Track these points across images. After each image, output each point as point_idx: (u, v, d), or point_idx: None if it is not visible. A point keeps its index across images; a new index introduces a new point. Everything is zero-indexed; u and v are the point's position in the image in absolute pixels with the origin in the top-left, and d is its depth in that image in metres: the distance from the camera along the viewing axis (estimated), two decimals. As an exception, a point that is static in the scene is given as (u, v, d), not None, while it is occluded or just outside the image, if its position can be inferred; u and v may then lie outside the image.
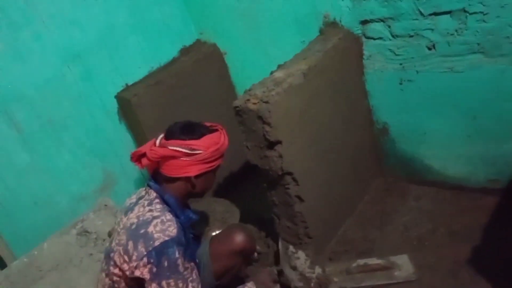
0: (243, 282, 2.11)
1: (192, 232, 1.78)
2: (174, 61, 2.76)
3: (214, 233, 2.12)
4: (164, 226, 1.52)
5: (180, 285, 1.50)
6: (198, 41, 2.88)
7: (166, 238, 1.49)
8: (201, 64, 2.76)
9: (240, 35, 2.67)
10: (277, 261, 2.10)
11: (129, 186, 2.64)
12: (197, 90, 2.76)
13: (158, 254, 1.47)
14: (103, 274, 1.64)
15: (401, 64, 2.14)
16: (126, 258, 1.53)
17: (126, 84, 2.59)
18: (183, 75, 2.70)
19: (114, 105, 2.56)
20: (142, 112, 2.51)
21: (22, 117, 2.20)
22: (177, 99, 2.65)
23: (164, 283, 1.48)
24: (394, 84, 2.19)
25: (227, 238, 1.89)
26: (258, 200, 2.34)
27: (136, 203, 1.67)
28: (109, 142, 2.56)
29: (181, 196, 1.68)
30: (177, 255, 1.49)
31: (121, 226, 1.62)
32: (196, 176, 1.64)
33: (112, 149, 2.57)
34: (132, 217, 1.60)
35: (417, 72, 2.11)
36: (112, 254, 1.58)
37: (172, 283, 1.49)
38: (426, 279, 1.90)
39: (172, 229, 1.52)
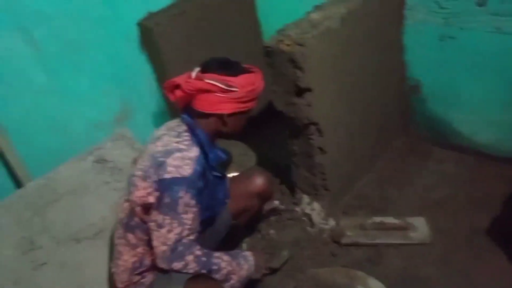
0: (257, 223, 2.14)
1: (218, 171, 1.73)
2: (200, -8, 2.60)
3: (230, 175, 2.09)
4: (181, 163, 1.50)
5: (175, 225, 1.50)
6: (227, -27, 2.70)
7: (178, 176, 1.48)
8: (228, -1, 2.61)
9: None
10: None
11: (146, 118, 2.59)
12: (222, 25, 2.62)
13: (164, 186, 1.48)
14: (125, 202, 1.64)
15: (444, 18, 2.00)
16: (144, 183, 1.54)
17: (149, 12, 2.46)
18: (209, 8, 2.56)
19: (135, 33, 2.44)
20: (164, 42, 2.41)
21: (41, 35, 2.10)
22: (201, 32, 2.53)
23: (161, 216, 1.50)
24: (434, 39, 2.07)
25: (247, 180, 1.89)
26: (276, 147, 2.30)
27: (166, 133, 1.64)
28: (129, 71, 2.47)
29: (211, 134, 1.64)
30: (180, 194, 1.47)
31: (147, 152, 1.61)
32: (229, 115, 1.60)
33: (131, 78, 2.49)
34: (159, 145, 1.59)
35: (461, 29, 1.98)
36: (134, 179, 1.59)
37: (168, 220, 1.49)
38: (440, 243, 1.90)
39: (187, 169, 1.50)
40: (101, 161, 2.02)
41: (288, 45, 1.74)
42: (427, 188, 2.16)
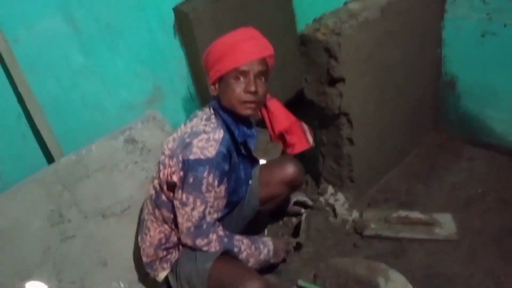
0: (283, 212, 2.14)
1: (246, 150, 1.75)
2: (237, -20, 2.61)
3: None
4: (206, 144, 1.53)
5: (198, 203, 1.54)
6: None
7: (201, 157, 1.51)
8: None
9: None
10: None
11: (177, 102, 2.63)
12: (257, 13, 2.62)
13: (188, 167, 1.51)
14: (155, 179, 1.68)
15: (488, 14, 1.94)
16: (170, 161, 1.58)
17: (185, -3, 2.48)
18: (246, -5, 2.56)
19: (171, 17, 2.47)
20: (199, 28, 2.42)
21: (81, 17, 2.15)
22: (236, 19, 2.53)
23: (185, 195, 1.54)
24: (475, 35, 2.01)
25: (279, 167, 1.89)
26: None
27: (196, 116, 1.68)
28: (162, 55, 2.51)
29: (229, 111, 1.62)
30: (204, 175, 1.51)
31: (178, 133, 1.65)
32: (213, 83, 1.62)
33: (164, 63, 2.53)
34: (188, 127, 1.63)
35: (505, 25, 1.91)
36: (163, 157, 1.64)
37: (191, 199, 1.53)
38: (467, 242, 1.86)
39: (211, 150, 1.52)
40: (131, 141, 2.06)
41: (324, 34, 1.72)
42: (456, 186, 2.12)
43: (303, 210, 2.11)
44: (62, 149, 2.17)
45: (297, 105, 2.65)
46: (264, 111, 1.87)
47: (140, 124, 2.11)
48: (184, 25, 2.45)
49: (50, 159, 2.17)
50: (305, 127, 1.93)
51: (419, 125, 2.31)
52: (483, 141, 2.25)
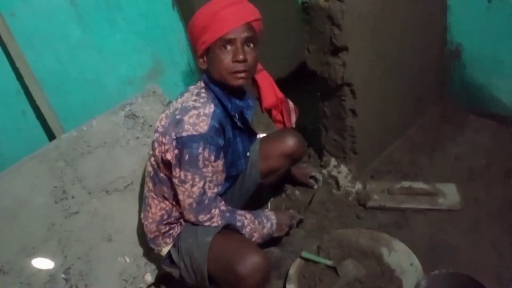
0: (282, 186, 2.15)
1: (244, 121, 1.71)
2: None
3: (258, 136, 2.09)
4: (197, 120, 1.50)
5: (197, 179, 1.52)
6: None
7: (194, 133, 1.48)
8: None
9: None
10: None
11: (177, 76, 2.59)
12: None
13: (182, 144, 1.49)
14: (151, 158, 1.66)
15: (495, -22, 1.89)
16: (163, 139, 1.55)
17: (183, -32, 2.42)
18: (244, -35, 2.49)
19: (169, -11, 2.42)
20: (198, 0, 2.37)
21: (77, -11, 2.11)
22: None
23: (183, 173, 1.52)
24: (482, 2, 1.96)
25: (279, 140, 1.87)
26: (304, 109, 2.26)
27: (188, 90, 1.64)
28: (161, 29, 2.46)
29: (221, 83, 1.57)
30: (199, 150, 1.48)
31: (169, 110, 1.61)
32: (201, 56, 1.57)
33: (163, 36, 2.48)
34: (178, 102, 1.59)
35: (512, -10, 1.86)
36: (156, 135, 1.61)
37: (189, 176, 1.51)
38: (470, 212, 1.85)
39: (203, 125, 1.49)
40: (132, 116, 2.05)
41: (326, 1, 1.68)
42: (460, 157, 2.10)
43: (316, 187, 2.10)
44: (63, 126, 2.15)
45: (299, 77, 2.62)
46: (254, 83, 1.82)
47: (141, 99, 2.09)
48: (182, -3, 2.40)
49: (51, 135, 2.16)
50: (291, 106, 1.89)
51: (423, 96, 2.28)
52: (488, 111, 2.22)
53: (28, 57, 2.00)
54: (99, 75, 2.30)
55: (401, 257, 1.66)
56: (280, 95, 1.85)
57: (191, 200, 1.55)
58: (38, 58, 2.05)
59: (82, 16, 2.15)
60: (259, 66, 1.75)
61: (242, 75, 1.52)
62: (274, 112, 1.87)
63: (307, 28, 1.78)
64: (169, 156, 1.54)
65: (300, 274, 1.71)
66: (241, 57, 1.48)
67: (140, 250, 1.91)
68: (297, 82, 2.70)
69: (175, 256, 1.66)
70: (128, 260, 1.86)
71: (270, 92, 1.82)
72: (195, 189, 1.54)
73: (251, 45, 1.52)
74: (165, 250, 1.73)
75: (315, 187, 2.10)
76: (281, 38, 2.71)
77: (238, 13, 1.48)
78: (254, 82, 1.80)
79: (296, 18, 1.84)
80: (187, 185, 1.53)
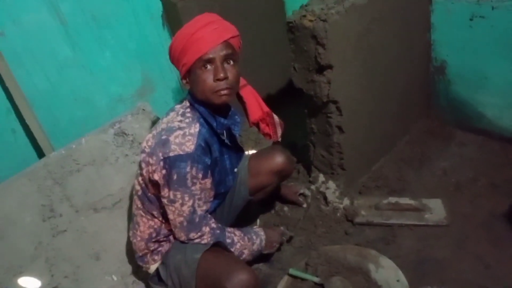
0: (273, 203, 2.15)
1: (231, 137, 1.72)
2: (224, -33, 2.57)
3: (247, 152, 2.10)
4: (183, 140, 1.51)
5: (186, 198, 1.53)
6: None
7: (181, 153, 1.49)
8: (253, -26, 2.58)
9: None
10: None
11: (167, 94, 2.62)
12: (246, 2, 2.60)
13: (170, 164, 1.49)
14: (139, 178, 1.67)
15: (476, -3, 1.93)
16: (150, 159, 1.56)
17: (173, -13, 2.45)
18: (233, -17, 2.53)
19: (159, 8, 2.45)
20: (187, 18, 2.35)
21: (67, 9, 2.13)
22: (224, 8, 2.50)
23: (172, 193, 1.53)
24: (464, 19, 2.00)
25: (267, 157, 1.89)
26: (293, 126, 2.28)
27: (172, 109, 1.66)
28: (151, 46, 2.49)
29: (204, 103, 1.58)
30: (187, 170, 1.49)
31: (156, 130, 1.62)
32: (183, 77, 1.59)
33: (153, 54, 2.51)
34: (164, 122, 1.61)
35: (493, 8, 1.90)
36: (143, 155, 1.61)
37: (179, 195, 1.52)
38: (457, 226, 1.86)
39: (190, 145, 1.50)
40: (121, 134, 2.05)
41: (311, 20, 1.71)
42: (446, 171, 2.12)
43: (305, 205, 2.11)
44: (52, 144, 2.16)
45: (289, 94, 2.65)
46: (239, 98, 1.84)
47: (130, 117, 2.10)
48: (172, 15, 2.42)
49: (40, 153, 2.16)
50: (277, 120, 1.91)
51: (409, 112, 2.30)
52: (474, 126, 2.24)
53: (17, 76, 2.01)
54: (89, 93, 2.31)
55: (388, 273, 1.67)
56: (266, 108, 1.86)
57: (181, 218, 1.56)
58: (28, 77, 2.07)
59: (72, 35, 2.17)
60: (243, 81, 1.77)
61: (225, 92, 1.52)
62: (262, 125, 1.89)
63: (292, 47, 1.81)
64: (156, 177, 1.54)
65: (287, 291, 1.71)
66: (221, 75, 1.49)
67: (128, 268, 1.90)
68: (286, 98, 2.73)
69: (163, 273, 1.66)
70: (115, 278, 1.86)
71: (255, 106, 1.84)
72: (185, 208, 1.54)
73: (231, 62, 1.53)
74: (153, 268, 1.73)
75: (304, 205, 2.11)
76: (270, 55, 2.74)
77: (215, 32, 1.50)
78: (239, 97, 1.82)
79: (285, 36, 1.87)
80: (177, 204, 1.54)
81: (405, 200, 1.99)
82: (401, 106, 2.22)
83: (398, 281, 1.63)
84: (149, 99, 2.49)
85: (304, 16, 1.72)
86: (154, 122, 2.10)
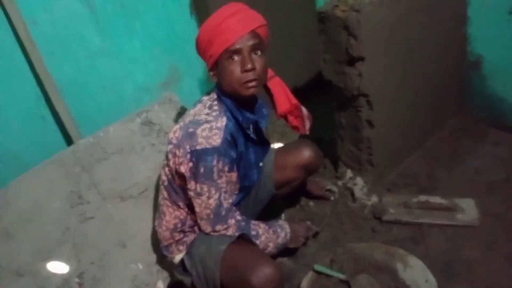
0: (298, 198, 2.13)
1: (258, 131, 1.70)
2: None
3: (273, 145, 2.08)
4: (210, 133, 1.50)
5: (213, 191, 1.53)
6: None
7: (208, 146, 1.48)
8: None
9: None
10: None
11: (194, 84, 2.61)
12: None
13: (197, 157, 1.49)
14: (166, 168, 1.67)
15: (516, -10, 1.85)
16: (177, 151, 1.55)
17: (202, -24, 2.43)
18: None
19: (187, -3, 2.44)
20: (215, 7, 2.35)
21: (97, -4, 2.15)
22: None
23: (198, 186, 1.52)
24: (502, 12, 1.92)
25: (295, 151, 1.87)
26: (320, 119, 2.25)
27: (200, 101, 1.64)
28: (178, 36, 2.48)
29: (232, 96, 1.56)
30: (214, 163, 1.49)
31: (184, 122, 1.62)
32: (211, 69, 1.56)
33: (181, 44, 2.50)
34: (191, 114, 1.60)
35: (534, 1, 1.82)
36: (170, 146, 1.61)
37: (205, 188, 1.52)
38: (489, 227, 1.81)
39: (216, 139, 1.49)
40: (148, 123, 2.06)
41: (343, 10, 1.67)
42: (479, 170, 2.06)
43: (332, 198, 2.08)
44: (80, 131, 2.18)
45: (314, 87, 2.61)
46: (267, 90, 1.81)
47: (157, 107, 2.11)
48: (200, 4, 2.41)
49: (69, 141, 2.19)
50: (305, 113, 1.86)
51: (442, 108, 2.24)
52: (508, 124, 2.18)
53: (48, 64, 2.03)
54: (117, 82, 2.32)
55: (416, 273, 1.63)
56: (294, 100, 1.83)
57: (208, 211, 1.56)
58: (58, 65, 2.09)
59: (101, 24, 2.18)
60: (271, 72, 1.74)
61: (253, 83, 1.50)
62: (290, 118, 1.85)
63: (323, 38, 1.78)
64: (183, 169, 1.54)
65: (312, 287, 1.68)
66: (249, 66, 1.46)
67: (153, 257, 1.91)
68: (314, 91, 2.69)
69: (188, 264, 1.67)
70: (141, 266, 1.87)
71: (283, 98, 1.80)
72: (211, 201, 1.54)
73: (259, 52, 1.50)
74: (178, 258, 1.74)
75: (332, 198, 2.08)
76: (299, 46, 2.70)
77: (241, 22, 1.47)
78: (267, 89, 1.80)
79: (314, 26, 1.83)
80: (204, 197, 1.54)
81: (435, 199, 1.94)
82: (433, 101, 2.16)
83: (426, 281, 1.59)
84: (176, 89, 2.49)
85: (337, 6, 1.68)
86: (181, 112, 2.10)
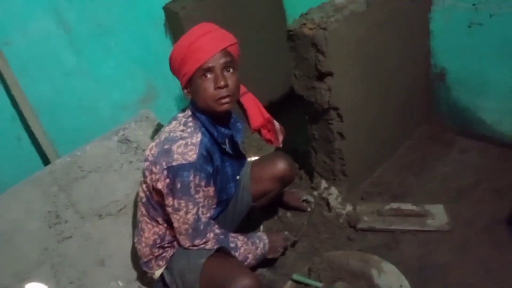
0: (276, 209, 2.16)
1: (234, 145, 1.74)
2: (226, -23, 2.61)
3: (249, 159, 2.12)
4: (185, 150, 1.53)
5: (190, 206, 1.56)
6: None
7: (184, 162, 1.51)
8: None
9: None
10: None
11: (170, 101, 2.64)
12: (247, 10, 2.63)
13: (173, 173, 1.52)
14: (143, 185, 1.69)
15: (474, 4, 1.95)
16: (153, 168, 1.58)
17: (175, -4, 2.49)
18: (235, -7, 2.57)
19: (161, 16, 2.49)
20: (189, 26, 2.38)
21: (72, 17, 2.17)
22: (226, 17, 2.53)
23: (176, 201, 1.55)
24: (462, 26, 2.02)
25: (270, 164, 1.91)
26: (295, 132, 2.31)
27: (175, 118, 1.68)
28: (154, 54, 2.52)
29: (206, 112, 1.60)
30: (190, 178, 1.52)
31: (159, 139, 1.64)
32: (185, 87, 1.61)
33: (156, 62, 2.53)
34: (166, 131, 1.63)
35: (491, 15, 1.92)
36: (147, 163, 1.63)
37: (183, 204, 1.55)
38: (459, 232, 1.87)
39: (192, 154, 1.53)
40: (125, 141, 2.08)
41: (310, 28, 1.73)
42: (448, 177, 2.13)
43: (309, 209, 2.12)
44: (57, 151, 2.19)
45: (288, 101, 2.67)
46: (240, 105, 1.86)
47: (134, 124, 2.13)
48: (174, 23, 2.46)
49: (45, 160, 2.19)
50: (277, 126, 1.93)
51: (410, 117, 2.32)
52: (474, 132, 2.26)
53: (23, 84, 2.04)
54: (93, 101, 2.34)
55: (391, 278, 1.68)
56: (267, 115, 1.89)
57: (186, 226, 1.58)
58: (33, 85, 2.10)
59: (76, 43, 2.21)
60: (243, 89, 1.80)
61: (226, 100, 1.55)
62: (264, 132, 1.91)
63: (293, 55, 1.84)
64: (160, 185, 1.56)
65: (290, 296, 1.72)
66: (222, 83, 1.51)
67: (133, 274, 1.92)
68: (288, 104, 2.75)
69: (167, 278, 1.68)
70: (121, 284, 1.87)
71: (256, 113, 1.85)
72: (189, 216, 1.57)
73: (231, 69, 1.55)
74: (157, 273, 1.75)
75: (309, 209, 2.12)
76: (271, 63, 2.77)
77: (213, 41, 1.52)
78: (240, 104, 1.85)
79: (285, 43, 1.90)
80: (181, 213, 1.56)
81: (407, 206, 2.00)
82: (402, 112, 2.24)
83: (401, 286, 1.64)
84: (152, 106, 2.52)
85: (304, 24, 1.74)
86: (158, 129, 2.12)
